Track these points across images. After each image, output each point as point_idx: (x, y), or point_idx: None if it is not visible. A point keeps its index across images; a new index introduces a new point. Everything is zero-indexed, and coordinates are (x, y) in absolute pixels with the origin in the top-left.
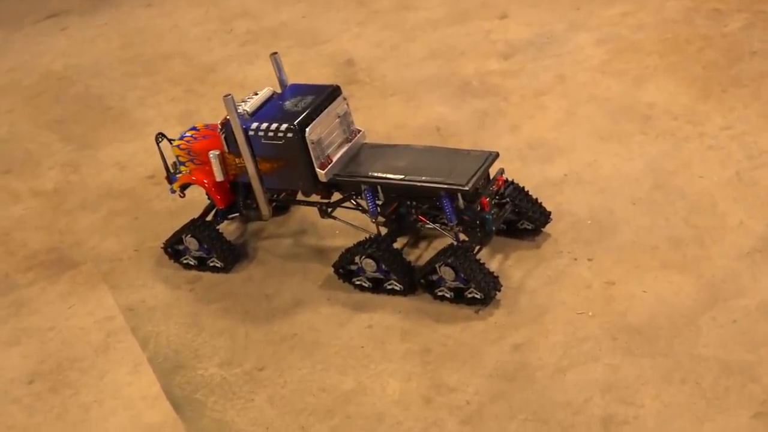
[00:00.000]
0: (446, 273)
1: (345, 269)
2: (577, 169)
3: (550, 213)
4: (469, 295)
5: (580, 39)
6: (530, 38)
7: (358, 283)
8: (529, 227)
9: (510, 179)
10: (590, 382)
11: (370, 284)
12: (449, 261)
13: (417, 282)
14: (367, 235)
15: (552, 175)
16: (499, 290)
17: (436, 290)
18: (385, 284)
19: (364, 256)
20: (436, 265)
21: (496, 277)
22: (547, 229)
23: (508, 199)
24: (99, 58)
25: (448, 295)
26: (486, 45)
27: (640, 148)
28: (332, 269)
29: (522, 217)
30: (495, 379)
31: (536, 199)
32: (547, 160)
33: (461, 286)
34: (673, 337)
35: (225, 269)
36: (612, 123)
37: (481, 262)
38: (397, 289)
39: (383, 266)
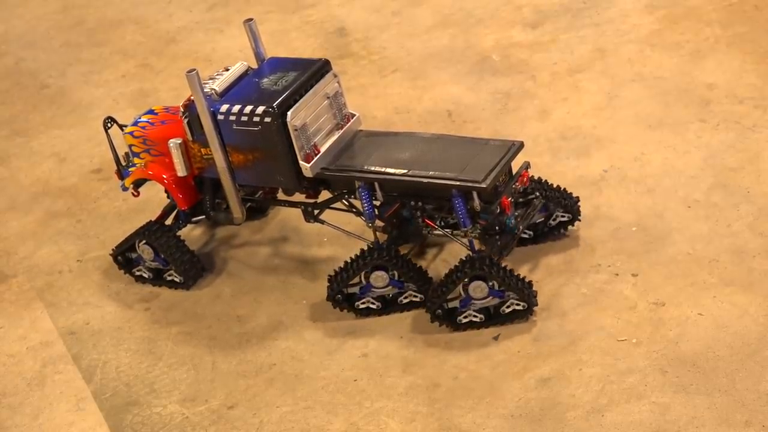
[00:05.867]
0: (476, 290)
1: (344, 294)
2: (619, 165)
3: (578, 198)
4: (508, 310)
5: (626, 3)
6: (563, 2)
7: (363, 306)
8: (565, 218)
9: (536, 177)
10: (634, 425)
11: (380, 304)
12: (479, 273)
13: (432, 314)
14: (368, 244)
15: (589, 172)
16: (536, 296)
17: (460, 317)
18: (401, 298)
19: (371, 269)
20: (460, 285)
21: (530, 282)
22: (583, 237)
23: (537, 194)
24: (33, 24)
25: (477, 319)
26: (509, 10)
27: (697, 139)
28: (328, 299)
29: (555, 205)
30: (517, 420)
31: (559, 186)
32: (584, 153)
33: (496, 301)
34: (734, 370)
35: (185, 285)
36: (663, 108)
37: (509, 268)
38: (417, 300)
39: (396, 276)
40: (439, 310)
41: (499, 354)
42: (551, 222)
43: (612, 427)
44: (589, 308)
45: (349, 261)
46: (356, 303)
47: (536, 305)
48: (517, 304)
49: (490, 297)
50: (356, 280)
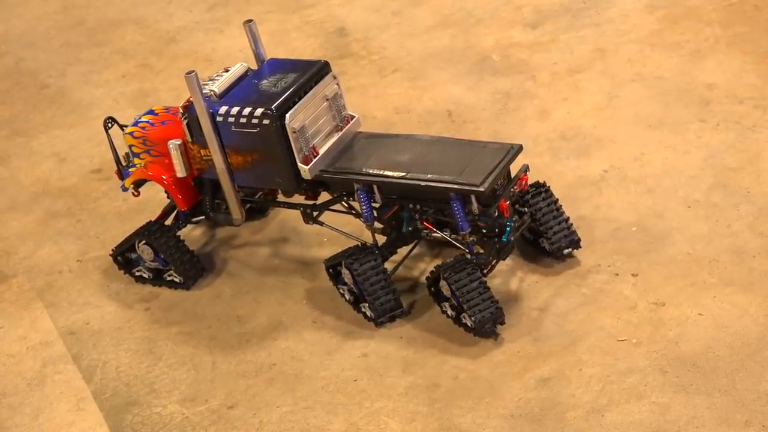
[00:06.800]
0: (443, 288)
1: (335, 270)
2: (619, 165)
3: (579, 240)
4: (463, 321)
5: (626, 3)
6: (563, 2)
7: (341, 292)
8: (546, 248)
9: (543, 184)
10: (634, 425)
11: (352, 298)
12: (446, 275)
13: (428, 289)
14: (361, 243)
15: (589, 172)
16: (501, 323)
17: (441, 305)
18: (361, 305)
19: (343, 265)
20: (441, 275)
21: (499, 308)
22: (583, 237)
23: (526, 209)
24: (33, 24)
25: (449, 314)
26: (509, 10)
27: (697, 139)
28: (324, 266)
29: (543, 236)
30: (517, 420)
31: (567, 218)
32: (584, 153)
33: (454, 304)
34: (734, 370)
35: (185, 285)
36: (663, 108)
37: (486, 284)
38: (368, 315)
39: (358, 285)
40: (432, 288)
41: (499, 354)
42: (540, 242)
43: (612, 427)
44: (589, 308)
45: (349, 247)
46: (338, 285)
47: (488, 332)
48: (468, 321)
49: (454, 301)
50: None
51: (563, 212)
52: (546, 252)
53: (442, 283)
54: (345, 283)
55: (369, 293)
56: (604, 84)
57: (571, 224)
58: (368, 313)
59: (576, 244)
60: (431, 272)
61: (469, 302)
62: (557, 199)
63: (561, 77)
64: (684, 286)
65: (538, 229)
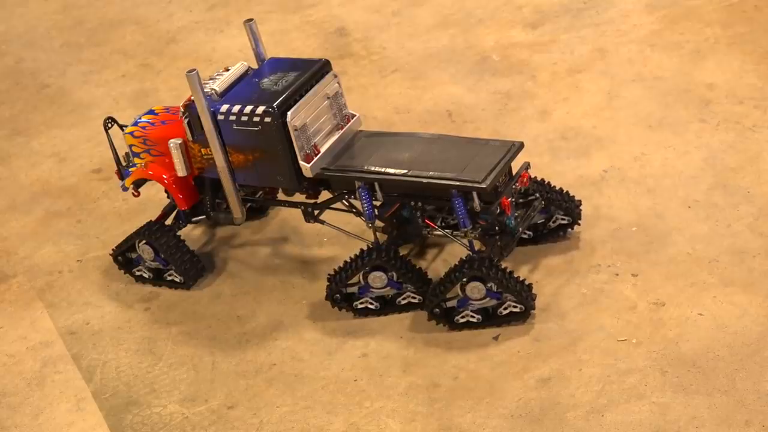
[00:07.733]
0: (473, 290)
1: (342, 294)
2: (619, 165)
3: (580, 202)
4: (505, 311)
5: (626, 3)
6: (564, 2)
7: (361, 306)
8: (565, 221)
9: (538, 179)
10: (633, 425)
11: (378, 305)
12: (476, 274)
13: (430, 313)
14: (367, 244)
15: (589, 172)
16: (534, 300)
17: (457, 317)
18: (399, 299)
19: (369, 269)
20: (458, 285)
21: (530, 285)
22: (583, 237)
23: (536, 195)
24: (33, 24)
25: (474, 319)
26: (509, 10)
27: (697, 139)
28: (327, 299)
29: (556, 207)
30: (517, 420)
31: (562, 188)
32: (584, 153)
33: (493, 303)
34: (734, 370)
35: (185, 285)
36: (663, 108)
37: (510, 270)
38: (416, 301)
39: (395, 277)
40: (437, 309)
41: (499, 354)
42: (551, 224)
43: (612, 427)
44: (589, 308)
45: (348, 261)
46: (355, 303)
47: (534, 308)
48: (515, 307)
49: (488, 298)
50: (355, 280)
51: (558, 188)
52: (561, 232)
53: (472, 287)
54: (363, 295)
55: (410, 279)
56: (604, 84)
57: (568, 191)
58: (415, 299)
59: (579, 206)
60: (436, 294)
61: (512, 289)
62: (546, 180)
63: (561, 77)
64: (684, 286)
65: (552, 205)
